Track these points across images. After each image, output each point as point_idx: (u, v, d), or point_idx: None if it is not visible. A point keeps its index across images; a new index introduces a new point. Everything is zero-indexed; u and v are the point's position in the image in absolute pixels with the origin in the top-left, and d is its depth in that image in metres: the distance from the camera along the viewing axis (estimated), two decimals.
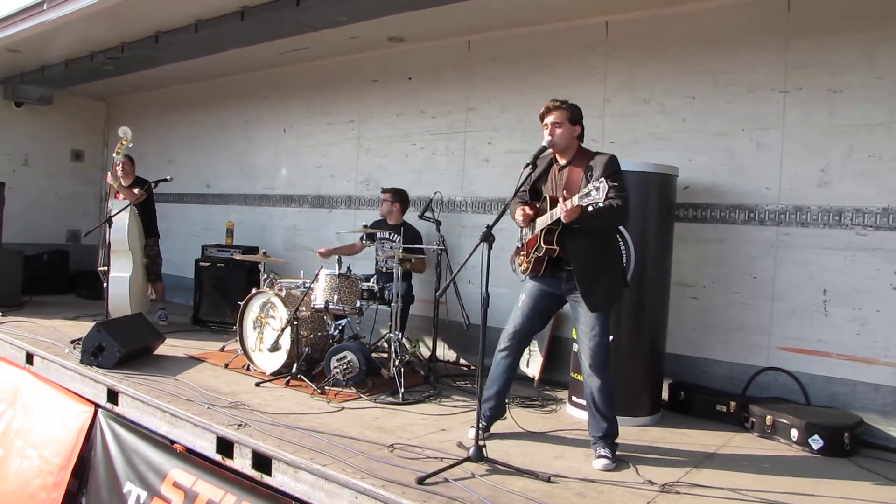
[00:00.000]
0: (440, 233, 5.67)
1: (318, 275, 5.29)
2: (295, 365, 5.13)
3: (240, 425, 4.08)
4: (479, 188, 6.19)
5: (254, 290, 5.55)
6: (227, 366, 5.54)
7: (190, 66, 7.58)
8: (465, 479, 3.40)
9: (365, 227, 5.78)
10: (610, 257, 3.87)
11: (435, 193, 5.43)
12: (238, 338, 5.52)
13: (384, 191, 6.16)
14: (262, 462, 3.80)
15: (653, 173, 4.61)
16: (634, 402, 4.59)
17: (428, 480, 3.36)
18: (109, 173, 6.82)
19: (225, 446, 4.02)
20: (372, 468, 3.49)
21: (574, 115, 3.90)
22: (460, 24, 6.01)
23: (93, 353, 5.22)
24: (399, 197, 6.10)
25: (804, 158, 4.67)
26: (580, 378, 4.70)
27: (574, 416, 4.71)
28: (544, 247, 3.76)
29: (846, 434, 4.12)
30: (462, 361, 6.01)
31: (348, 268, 5.32)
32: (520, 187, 4.00)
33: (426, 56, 6.59)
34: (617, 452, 3.81)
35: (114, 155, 6.68)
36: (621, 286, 3.93)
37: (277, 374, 5.22)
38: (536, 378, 5.55)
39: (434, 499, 3.17)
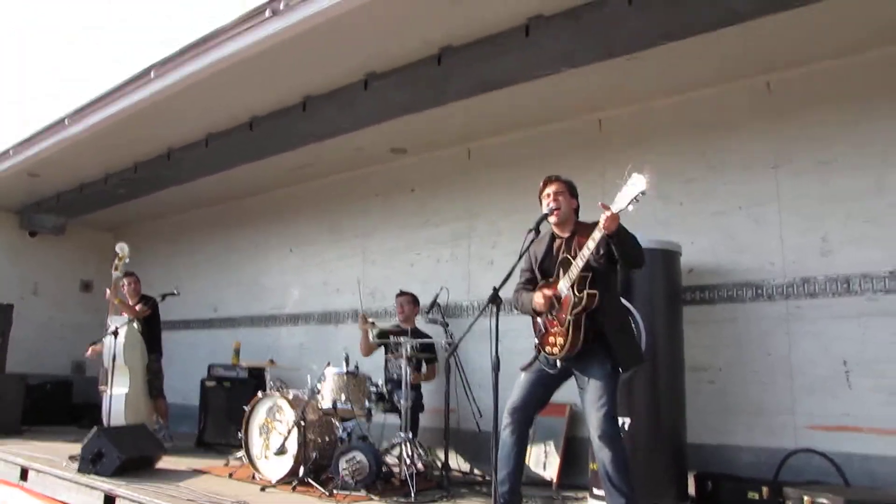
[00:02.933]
0: (448, 334, 5.59)
1: (324, 374, 5.18)
2: (302, 468, 4.92)
3: None
4: (485, 291, 6.05)
5: (259, 394, 5.42)
6: (231, 475, 5.33)
7: (198, 189, 7.86)
8: None
9: (366, 319, 5.74)
10: (628, 317, 3.82)
11: (441, 289, 5.42)
12: (243, 446, 5.33)
13: (401, 294, 6.17)
14: None
15: (657, 250, 4.60)
16: (659, 491, 4.34)
17: None
18: (108, 290, 6.85)
19: None
20: None
21: (572, 190, 3.98)
22: (459, 131, 6.30)
23: (91, 461, 5.06)
24: (415, 300, 6.15)
25: (803, 229, 4.70)
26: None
27: None
28: (584, 294, 3.62)
29: None
30: (476, 471, 5.74)
31: (356, 366, 5.22)
32: (520, 267, 3.99)
33: (428, 166, 6.82)
34: None
35: (112, 271, 6.76)
36: (640, 352, 3.85)
37: (284, 481, 4.98)
38: (555, 481, 5.28)
39: None
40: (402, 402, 5.09)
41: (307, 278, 7.75)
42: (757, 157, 4.94)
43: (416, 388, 5.85)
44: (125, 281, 7.01)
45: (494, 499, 3.48)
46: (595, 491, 4.53)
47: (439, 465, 5.25)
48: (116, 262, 6.73)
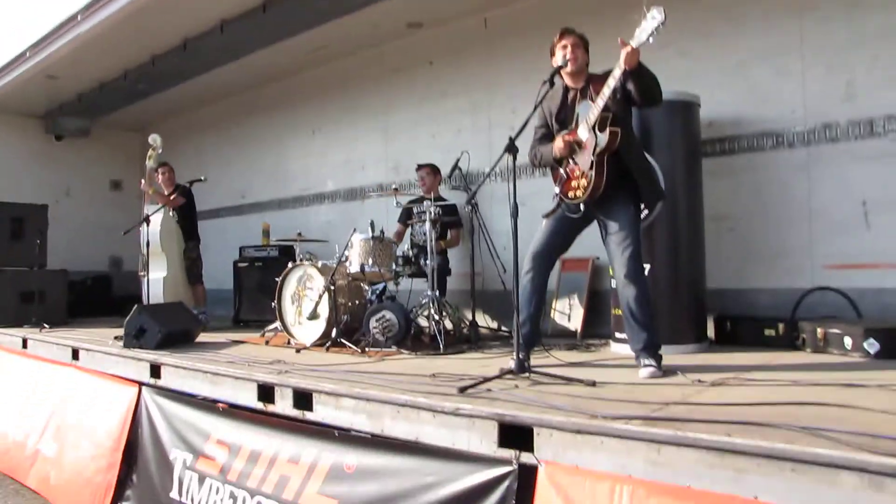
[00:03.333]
0: (471, 194, 5.66)
1: (350, 240, 5.33)
2: (334, 330, 5.15)
3: (279, 372, 4.09)
4: (510, 157, 6.23)
5: (290, 265, 5.62)
6: (267, 343, 5.61)
7: (217, 79, 7.90)
8: (509, 389, 3.34)
9: (395, 190, 5.79)
10: (647, 160, 3.87)
11: (462, 153, 5.46)
12: (277, 315, 5.57)
13: (420, 167, 6.27)
14: (303, 399, 3.76)
15: (676, 101, 4.57)
16: (679, 333, 4.50)
17: (470, 390, 3.30)
18: (143, 180, 7.01)
19: (265, 393, 3.99)
20: (413, 389, 3.45)
21: (586, 44, 3.98)
22: (475, 1, 6.18)
23: (135, 336, 5.31)
24: (435, 169, 6.26)
25: (827, 76, 4.65)
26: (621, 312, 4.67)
27: (619, 352, 4.60)
28: (607, 132, 3.64)
29: None
30: (503, 328, 5.96)
31: (381, 230, 5.36)
32: (534, 125, 4.05)
33: (445, 39, 6.76)
34: (663, 364, 3.72)
35: (147, 162, 6.89)
36: (661, 189, 3.92)
37: (317, 343, 5.24)
38: (579, 331, 5.50)
39: (477, 401, 3.11)
40: (427, 262, 5.25)
41: (331, 158, 7.86)
42: (780, 4, 4.82)
43: (442, 253, 6.04)
44: (160, 171, 7.14)
45: (517, 337, 3.62)
46: (617, 335, 4.71)
47: (467, 322, 5.48)
48: (150, 152, 6.84)
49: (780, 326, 4.50)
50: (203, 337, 5.92)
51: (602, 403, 2.92)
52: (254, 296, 7.28)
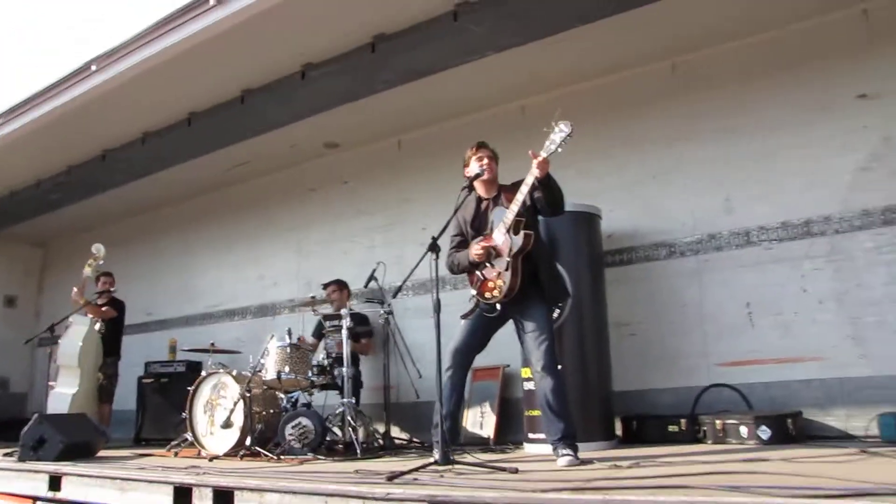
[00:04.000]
0: (386, 306, 5.83)
1: (267, 347, 5.34)
2: (249, 439, 5.05)
3: (198, 475, 3.97)
4: (419, 271, 6.45)
5: (203, 373, 5.53)
6: (176, 454, 5.38)
7: (130, 195, 7.92)
8: (435, 478, 3.40)
9: (313, 298, 5.86)
10: (554, 262, 4.16)
11: (378, 264, 5.67)
12: (188, 424, 5.41)
13: (326, 285, 6.41)
14: (223, 498, 3.66)
15: (580, 212, 4.99)
16: (589, 432, 4.67)
17: (397, 480, 3.36)
18: (76, 289, 6.75)
19: (182, 495, 3.86)
20: (339, 482, 3.44)
21: (497, 157, 4.31)
22: (389, 124, 6.66)
23: (32, 448, 5.02)
24: (342, 284, 6.39)
25: (709, 191, 5.23)
26: (535, 413, 4.84)
27: (534, 451, 4.72)
28: (522, 234, 3.90)
29: (789, 420, 4.36)
30: (415, 440, 5.97)
31: (299, 338, 5.40)
32: (450, 234, 4.31)
33: (360, 159, 7.15)
34: (578, 455, 3.87)
35: (85, 270, 6.69)
36: (567, 287, 4.20)
37: (231, 452, 5.09)
38: (492, 437, 5.58)
39: (407, 487, 3.16)
40: (344, 370, 5.30)
41: (243, 274, 7.89)
42: (665, 131, 5.46)
43: (355, 363, 6.07)
44: (101, 279, 6.96)
45: (441, 428, 3.70)
46: (531, 436, 4.84)
47: (380, 433, 5.49)
48: (91, 261, 6.67)
49: (682, 422, 4.77)
50: (104, 453, 5.62)
51: (528, 485, 3.01)
52: (158, 414, 7.03)
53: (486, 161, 4.22)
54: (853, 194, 4.77)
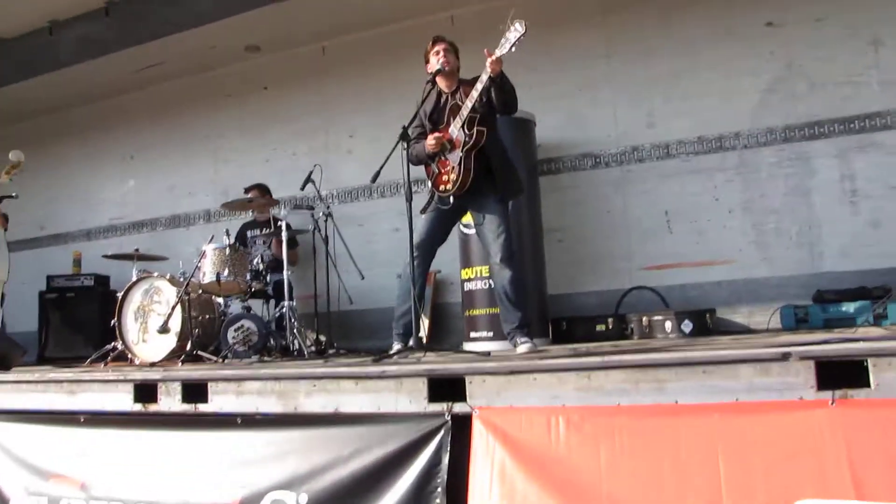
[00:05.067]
0: (325, 211, 5.77)
1: (204, 250, 5.23)
2: (189, 343, 4.99)
3: (161, 371, 3.94)
4: (345, 178, 6.49)
5: (134, 278, 5.35)
6: (105, 363, 5.21)
7: (24, 95, 7.23)
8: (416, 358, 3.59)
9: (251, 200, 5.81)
10: (509, 158, 4.33)
11: (315, 166, 5.61)
12: (117, 332, 5.25)
13: (248, 189, 6.25)
14: (195, 391, 3.63)
15: (518, 118, 5.02)
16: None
17: (384, 360, 3.53)
18: None
19: (145, 392, 3.79)
20: (326, 367, 3.54)
21: (456, 49, 4.36)
22: (313, 28, 6.50)
23: None
24: (264, 189, 6.25)
25: (632, 106, 5.60)
26: (478, 312, 5.12)
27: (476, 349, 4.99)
28: (474, 130, 4.02)
29: (707, 316, 4.88)
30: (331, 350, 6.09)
31: (237, 239, 5.33)
32: (412, 123, 4.38)
33: (282, 65, 6.95)
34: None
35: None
36: (521, 183, 4.39)
37: (168, 358, 5.00)
38: (425, 341, 5.77)
39: (402, 365, 3.32)
40: (286, 272, 5.31)
41: (152, 184, 7.54)
42: (591, 47, 5.73)
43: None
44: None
45: (414, 316, 3.91)
46: (472, 335, 5.12)
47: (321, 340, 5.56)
48: (9, 168, 6.03)
49: (610, 321, 5.19)
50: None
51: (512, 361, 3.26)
52: (64, 331, 6.70)
53: (442, 55, 4.26)
54: (759, 113, 5.29)
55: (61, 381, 4.12)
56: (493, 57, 3.87)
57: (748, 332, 4.97)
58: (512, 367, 3.01)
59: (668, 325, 4.85)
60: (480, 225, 4.23)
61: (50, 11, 5.92)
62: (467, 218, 4.56)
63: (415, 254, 4.21)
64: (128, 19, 5.87)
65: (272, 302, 5.71)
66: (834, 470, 2.40)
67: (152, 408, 3.77)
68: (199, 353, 4.92)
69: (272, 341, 5.17)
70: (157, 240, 7.35)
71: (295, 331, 5.12)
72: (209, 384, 3.62)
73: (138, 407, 3.81)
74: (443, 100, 4.34)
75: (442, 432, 3.02)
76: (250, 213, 6.51)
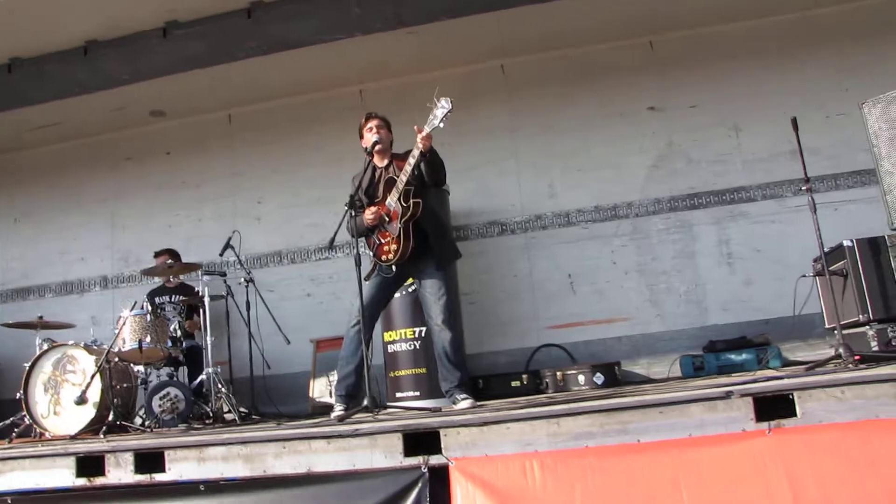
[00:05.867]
0: (246, 277, 5.77)
1: (122, 316, 5.10)
2: (111, 412, 4.80)
3: (103, 441, 3.80)
4: (254, 245, 6.50)
5: (44, 346, 5.08)
6: (10, 440, 4.87)
7: None
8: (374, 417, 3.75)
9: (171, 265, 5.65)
10: (446, 221, 4.62)
11: (234, 232, 5.64)
12: (24, 406, 4.94)
13: (158, 254, 6.15)
14: (150, 461, 3.56)
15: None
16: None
17: (347, 420, 3.67)
18: None
19: (90, 465, 3.65)
20: (292, 429, 3.59)
21: (388, 125, 4.60)
22: (221, 95, 6.59)
23: None
24: (175, 254, 6.15)
25: (535, 178, 6.14)
26: (401, 373, 5.31)
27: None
28: (411, 202, 4.24)
29: (616, 368, 5.36)
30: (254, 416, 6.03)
31: (167, 304, 5.25)
32: (354, 194, 4.60)
33: (187, 131, 6.94)
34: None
35: None
36: (456, 249, 4.66)
37: (88, 429, 4.77)
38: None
39: (376, 422, 3.46)
40: (208, 337, 5.26)
41: (39, 249, 7.14)
42: (497, 124, 6.25)
43: (191, 337, 5.94)
44: None
45: (367, 377, 4.04)
46: (397, 394, 5.29)
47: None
48: None
49: (524, 377, 5.55)
50: None
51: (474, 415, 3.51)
52: None
53: (375, 131, 4.47)
54: (648, 185, 6.00)
55: None
56: (423, 133, 4.10)
57: (649, 382, 5.50)
58: (485, 418, 3.26)
59: (582, 378, 5.28)
60: (421, 290, 4.43)
61: None
62: None
63: (356, 319, 4.32)
64: (31, 77, 5.66)
65: (182, 369, 5.63)
66: (777, 488, 2.85)
67: (99, 481, 3.62)
68: (124, 423, 4.74)
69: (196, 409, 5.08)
70: (43, 308, 6.92)
71: (223, 396, 5.06)
72: (166, 452, 3.56)
73: (82, 482, 3.65)
74: (377, 174, 4.52)
75: (420, 484, 3.19)
76: (156, 280, 6.36)
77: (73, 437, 4.67)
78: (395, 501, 3.17)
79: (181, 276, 6.13)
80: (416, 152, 4.19)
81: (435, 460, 3.23)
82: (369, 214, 4.40)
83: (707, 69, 6.02)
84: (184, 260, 6.16)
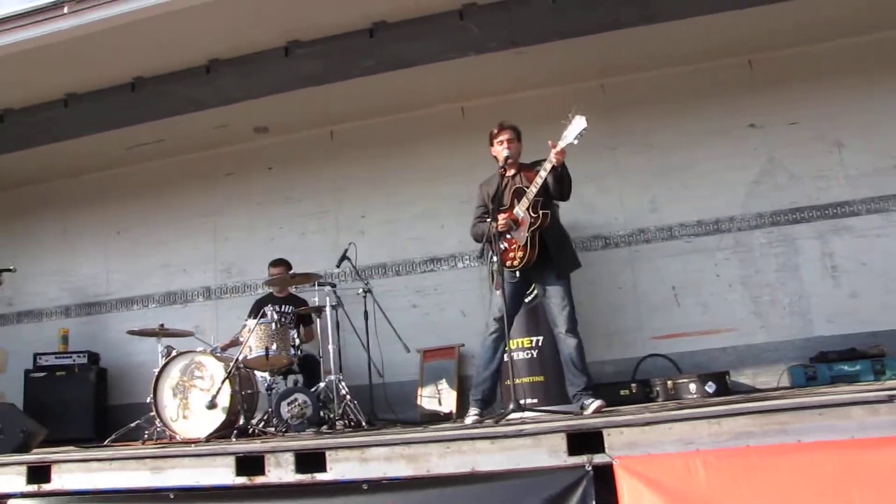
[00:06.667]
0: (365, 287, 5.88)
1: (247, 325, 5.34)
2: (241, 416, 4.99)
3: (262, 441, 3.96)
4: (358, 258, 6.61)
5: (173, 353, 5.28)
6: (143, 442, 5.08)
7: (8, 166, 6.99)
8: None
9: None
10: (567, 233, 4.76)
11: (350, 244, 5.81)
12: (154, 409, 5.15)
13: (274, 263, 6.32)
14: (311, 461, 3.66)
15: None
16: (563, 395, 5.35)
17: (502, 421, 3.83)
18: None
19: (249, 464, 3.80)
20: (444, 430, 3.71)
21: (519, 134, 4.74)
22: (324, 112, 6.79)
23: None
24: (288, 265, 6.31)
25: (638, 194, 6.25)
26: (518, 381, 5.40)
27: (528, 414, 5.14)
28: (539, 213, 4.39)
29: (727, 377, 5.43)
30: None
31: (252, 313, 5.47)
32: (475, 205, 4.77)
33: (287, 146, 7.16)
34: None
35: None
36: (577, 259, 4.77)
37: (219, 434, 4.97)
38: (454, 412, 5.99)
39: (540, 424, 3.57)
40: (330, 345, 5.44)
41: (142, 261, 7.39)
42: (599, 141, 6.35)
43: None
44: None
45: (512, 384, 4.19)
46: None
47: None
48: None
49: (633, 386, 5.64)
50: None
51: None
52: (52, 411, 6.34)
53: (506, 144, 4.61)
54: (749, 200, 6.09)
55: (142, 458, 4.00)
56: (558, 148, 4.27)
57: (756, 391, 5.55)
58: (648, 418, 3.35)
59: (693, 386, 5.35)
60: (545, 297, 4.57)
61: (69, 84, 5.87)
62: None
63: (495, 326, 4.52)
64: (151, 95, 5.89)
65: (297, 377, 5.80)
66: None
67: (259, 480, 3.76)
68: (259, 429, 4.95)
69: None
70: (149, 317, 7.17)
71: (348, 402, 5.21)
72: (327, 452, 3.68)
73: (242, 480, 3.78)
74: (504, 183, 4.67)
75: (585, 482, 3.28)
76: (259, 290, 6.59)
77: (203, 441, 4.87)
78: (560, 498, 3.26)
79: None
80: (547, 165, 4.36)
81: (599, 459, 3.33)
82: (500, 220, 4.52)
83: (805, 86, 6.10)
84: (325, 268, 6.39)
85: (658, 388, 5.53)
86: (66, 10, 4.79)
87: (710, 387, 5.31)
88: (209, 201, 7.32)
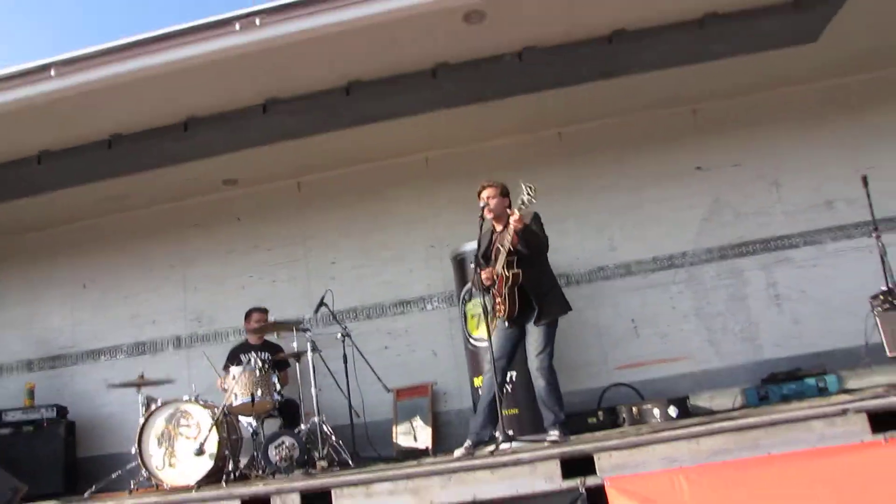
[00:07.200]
0: (343, 331, 6.01)
1: (230, 372, 5.47)
2: (230, 462, 5.08)
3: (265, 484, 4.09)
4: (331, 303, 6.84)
5: (158, 403, 5.34)
6: (131, 492, 5.11)
7: None
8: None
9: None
10: (553, 282, 5.07)
11: (326, 291, 6.01)
12: (139, 459, 5.18)
13: (252, 311, 6.48)
14: (317, 499, 3.84)
15: None
16: (535, 424, 5.62)
17: (495, 452, 4.10)
18: None
19: None
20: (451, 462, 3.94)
21: (503, 190, 4.99)
22: (290, 166, 7.01)
23: None
24: (265, 312, 6.47)
25: (596, 235, 6.67)
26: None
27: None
28: (511, 273, 4.71)
29: (687, 401, 5.80)
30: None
31: (229, 361, 5.63)
32: (477, 255, 5.03)
33: (255, 198, 7.32)
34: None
35: None
36: (566, 304, 5.04)
37: (208, 480, 5.04)
38: (430, 447, 6.18)
39: (536, 451, 3.86)
40: (313, 389, 5.58)
41: (109, 312, 7.37)
42: (555, 185, 6.75)
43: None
44: None
45: (500, 416, 4.47)
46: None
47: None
48: None
49: (600, 414, 5.95)
50: None
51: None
52: (15, 467, 6.19)
53: (486, 202, 4.89)
54: (699, 237, 6.58)
55: None
56: (515, 216, 4.56)
57: (714, 413, 5.92)
58: (634, 441, 3.68)
59: (657, 411, 5.70)
60: (527, 336, 4.88)
61: (44, 142, 5.94)
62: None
63: (488, 367, 4.80)
64: (128, 151, 5.98)
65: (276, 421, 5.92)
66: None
67: None
68: (245, 471, 5.04)
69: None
70: (118, 369, 7.14)
71: (333, 443, 5.35)
72: (333, 490, 3.86)
73: None
74: (493, 238, 5.01)
75: (580, 502, 3.58)
76: (231, 339, 6.71)
77: (198, 486, 4.94)
78: None
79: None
80: (511, 229, 4.65)
81: (591, 481, 3.63)
82: (485, 276, 4.86)
83: (746, 131, 6.70)
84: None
85: (624, 415, 5.85)
86: (52, 72, 4.92)
87: (673, 411, 5.66)
88: (178, 252, 7.39)
